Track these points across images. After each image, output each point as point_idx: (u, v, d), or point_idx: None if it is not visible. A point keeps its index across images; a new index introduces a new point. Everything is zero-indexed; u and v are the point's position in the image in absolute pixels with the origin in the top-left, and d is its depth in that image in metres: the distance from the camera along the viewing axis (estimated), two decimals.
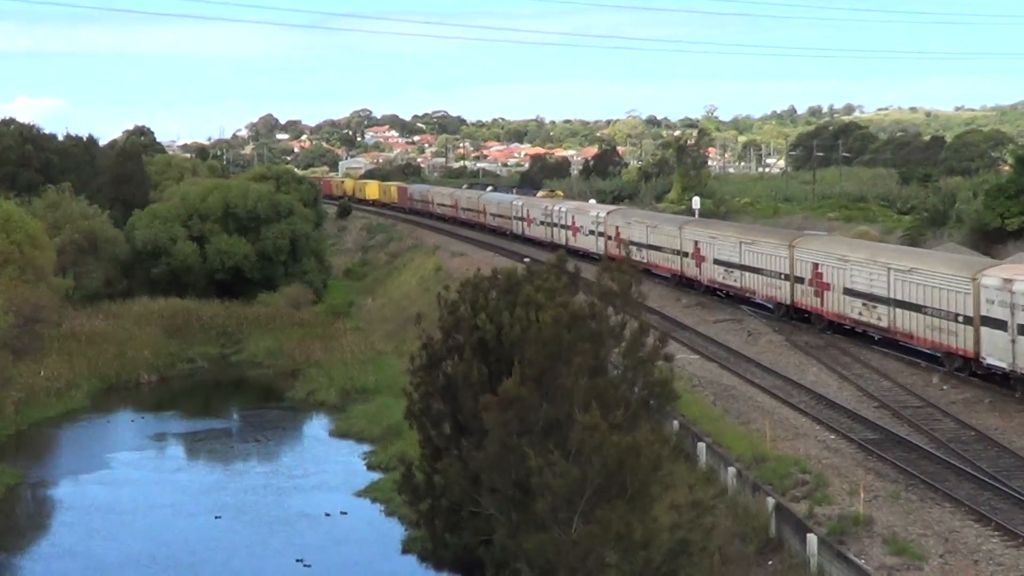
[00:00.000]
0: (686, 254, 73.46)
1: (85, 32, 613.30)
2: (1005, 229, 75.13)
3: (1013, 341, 43.38)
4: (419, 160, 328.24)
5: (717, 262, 68.89)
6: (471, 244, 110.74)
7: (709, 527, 32.17)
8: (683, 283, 74.36)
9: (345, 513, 48.64)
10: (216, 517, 48.74)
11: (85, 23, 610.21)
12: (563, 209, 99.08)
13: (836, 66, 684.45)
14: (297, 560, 43.13)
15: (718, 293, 70.29)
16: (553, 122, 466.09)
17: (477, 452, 33.83)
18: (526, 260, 77.14)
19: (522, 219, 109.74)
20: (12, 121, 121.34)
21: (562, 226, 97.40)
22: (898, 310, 51.47)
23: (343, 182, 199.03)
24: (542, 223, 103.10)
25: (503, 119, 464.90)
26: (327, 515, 48.67)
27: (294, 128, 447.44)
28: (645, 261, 76.12)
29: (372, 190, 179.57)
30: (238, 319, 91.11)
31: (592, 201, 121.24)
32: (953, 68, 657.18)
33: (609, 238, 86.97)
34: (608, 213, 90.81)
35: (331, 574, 42.76)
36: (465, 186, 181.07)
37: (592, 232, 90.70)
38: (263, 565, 43.46)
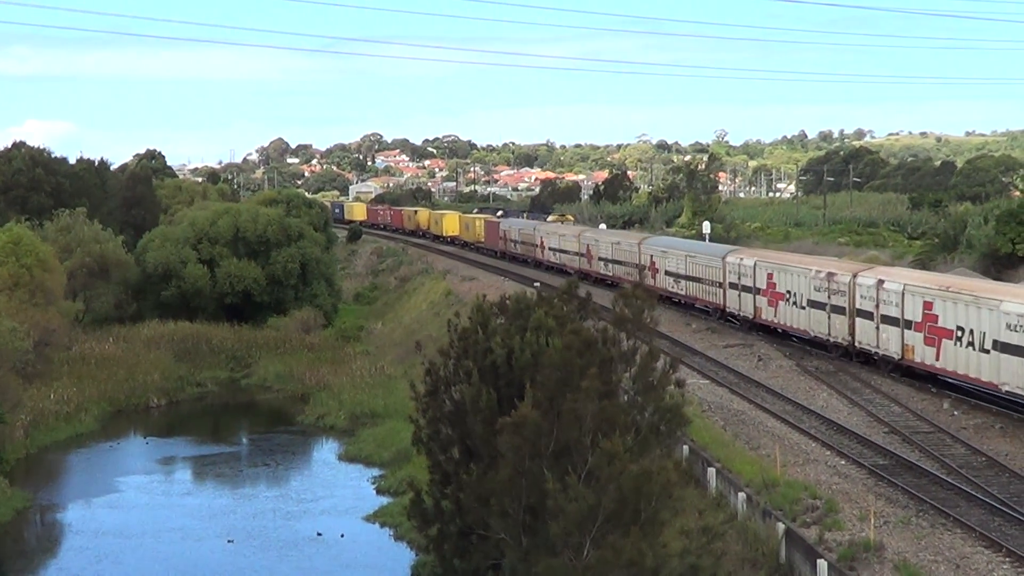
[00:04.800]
0: None
1: (96, 55, 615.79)
2: (1016, 254, 75.06)
3: None
4: (429, 184, 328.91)
5: None
6: (481, 269, 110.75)
7: (719, 553, 32.20)
8: None
9: (343, 536, 48.75)
10: (228, 541, 48.81)
11: (96, 46, 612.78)
12: (893, 288, 52.53)
13: (847, 91, 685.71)
14: None
15: None
16: (563, 146, 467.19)
17: (488, 476, 33.88)
18: (536, 285, 77.29)
19: (754, 290, 65.30)
20: (22, 144, 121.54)
21: (890, 320, 52.38)
22: None
23: (416, 213, 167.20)
24: (822, 305, 58.10)
25: (513, 143, 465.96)
26: (319, 534, 49.00)
27: (305, 152, 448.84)
28: None
29: (451, 224, 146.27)
30: (248, 343, 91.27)
31: (603, 226, 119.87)
32: (964, 93, 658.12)
33: None
34: None
35: None
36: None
37: (1004, 346, 44.77)
38: None
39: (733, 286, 67.68)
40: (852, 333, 55.34)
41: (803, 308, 59.69)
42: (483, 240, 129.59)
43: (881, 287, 53.15)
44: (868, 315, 53.98)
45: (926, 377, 50.36)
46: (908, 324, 50.84)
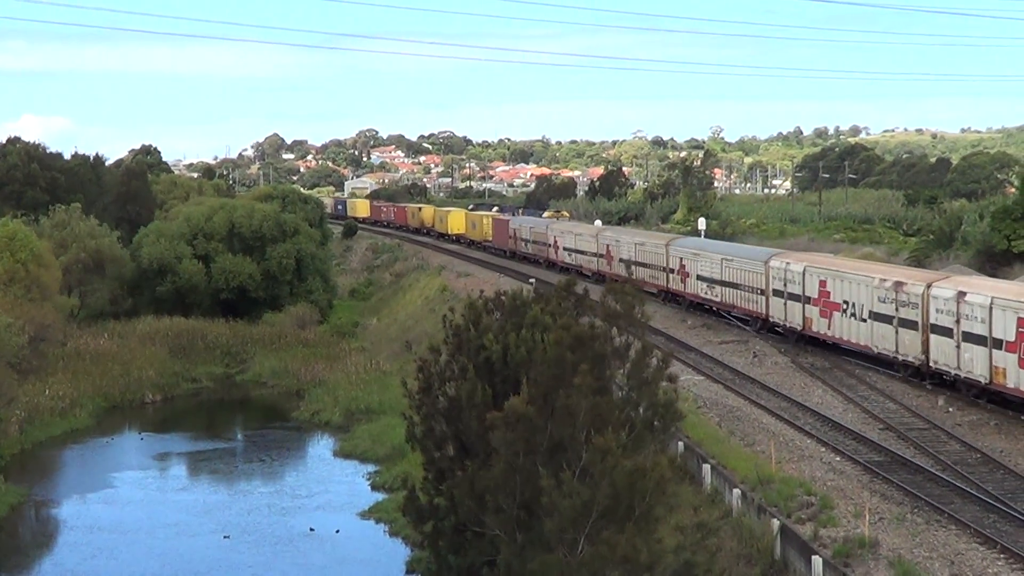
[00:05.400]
0: None
1: (92, 51, 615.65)
2: (1012, 251, 75.05)
3: None
4: (425, 180, 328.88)
5: None
6: (476, 264, 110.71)
7: (714, 549, 32.23)
8: None
9: (338, 531, 48.96)
10: (224, 537, 48.86)
11: (92, 42, 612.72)
12: (978, 301, 45.73)
13: (842, 87, 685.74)
14: None
15: None
16: (559, 143, 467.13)
17: (483, 472, 33.89)
18: (531, 281, 77.24)
19: (803, 299, 58.86)
20: (18, 140, 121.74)
21: (974, 338, 45.65)
22: None
23: (420, 210, 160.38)
24: (888, 318, 51.56)
25: (509, 139, 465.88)
26: (311, 530, 49.23)
27: (300, 148, 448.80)
28: None
29: (456, 222, 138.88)
30: (243, 339, 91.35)
31: (598, 222, 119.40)
32: (959, 90, 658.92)
33: None
34: None
35: None
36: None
37: None
38: None
39: (778, 293, 61.13)
40: (926, 352, 48.78)
41: (864, 321, 53.26)
42: (491, 239, 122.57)
43: (963, 300, 46.26)
44: (946, 332, 47.22)
45: (1022, 406, 43.95)
46: (998, 343, 44.03)
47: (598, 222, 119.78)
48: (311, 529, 49.34)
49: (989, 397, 45.43)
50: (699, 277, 70.68)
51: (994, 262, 75.04)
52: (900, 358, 50.70)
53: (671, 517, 32.77)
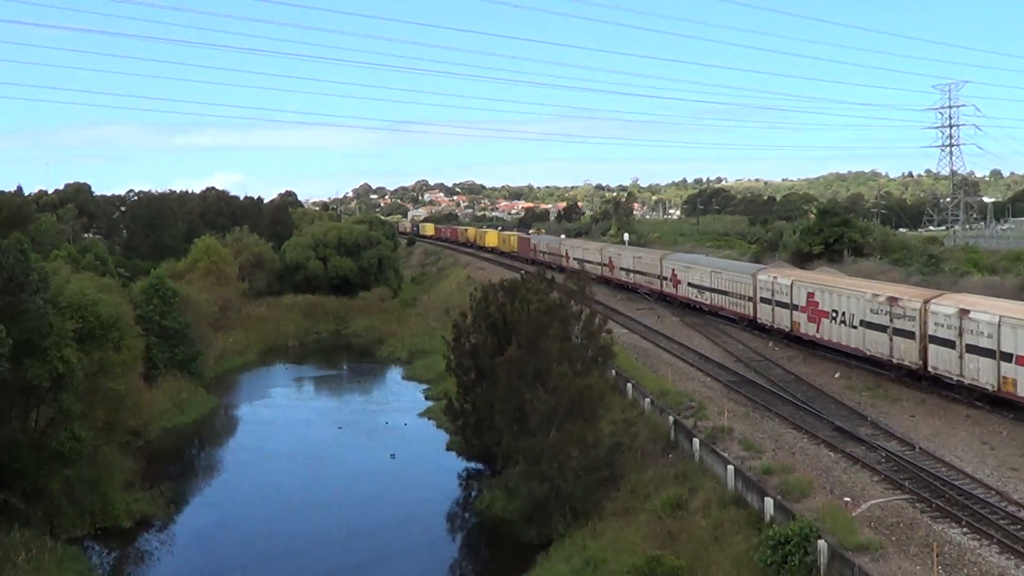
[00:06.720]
0: None
1: (255, 133, 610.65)
2: (812, 253, 74.89)
3: None
4: (456, 211, 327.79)
5: None
6: (488, 263, 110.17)
7: (634, 434, 32.32)
8: None
9: (406, 424, 48.68)
10: (339, 428, 48.84)
11: (255, 128, 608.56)
12: (985, 319, 32.42)
13: (712, 152, 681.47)
14: (390, 455, 43.21)
15: None
16: (539, 187, 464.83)
17: (492, 389, 33.93)
18: (522, 273, 76.90)
19: (791, 307, 46.21)
20: (213, 188, 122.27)
21: (980, 351, 32.48)
22: None
23: (466, 231, 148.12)
24: (881, 327, 38.35)
25: (508, 185, 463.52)
26: (386, 423, 49.09)
27: (380, 191, 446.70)
28: None
29: (491, 238, 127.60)
30: (346, 308, 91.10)
31: (563, 235, 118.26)
32: (780, 155, 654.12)
33: None
34: None
35: (408, 460, 42.84)
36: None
37: None
38: (368, 456, 43.67)
39: (765, 301, 48.49)
40: (924, 358, 35.52)
41: (855, 328, 39.93)
42: (516, 251, 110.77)
43: (966, 316, 33.15)
44: (947, 343, 34.02)
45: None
46: (1008, 357, 31.25)
47: (563, 235, 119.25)
48: (386, 423, 49.29)
49: (990, 401, 32.56)
50: (690, 284, 59.25)
51: (802, 260, 74.78)
52: (895, 361, 37.39)
53: (607, 415, 32.90)
